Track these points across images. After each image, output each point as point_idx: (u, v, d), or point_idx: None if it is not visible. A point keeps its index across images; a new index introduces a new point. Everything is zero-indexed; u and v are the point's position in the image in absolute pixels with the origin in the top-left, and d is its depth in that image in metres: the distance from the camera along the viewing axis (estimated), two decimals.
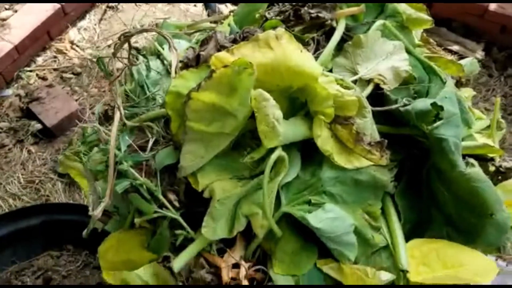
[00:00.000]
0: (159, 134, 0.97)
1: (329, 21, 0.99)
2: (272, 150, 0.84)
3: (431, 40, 1.28)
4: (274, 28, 0.96)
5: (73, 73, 2.21)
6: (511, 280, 1.05)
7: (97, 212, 0.90)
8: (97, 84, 2.16)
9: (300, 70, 0.83)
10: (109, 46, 2.27)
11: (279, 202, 0.86)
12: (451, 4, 2.26)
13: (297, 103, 0.92)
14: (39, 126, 1.92)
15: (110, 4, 2.46)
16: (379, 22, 0.98)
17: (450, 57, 1.98)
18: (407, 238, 0.89)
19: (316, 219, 0.81)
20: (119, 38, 0.97)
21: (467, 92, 1.19)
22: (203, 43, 0.98)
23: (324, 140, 0.86)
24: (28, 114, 1.97)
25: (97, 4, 2.45)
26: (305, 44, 0.96)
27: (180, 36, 1.17)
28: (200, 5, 2.46)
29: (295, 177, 0.87)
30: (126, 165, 0.91)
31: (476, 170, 0.83)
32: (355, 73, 0.95)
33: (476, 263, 0.82)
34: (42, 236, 1.60)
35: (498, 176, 0.98)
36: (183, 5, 2.49)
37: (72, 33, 2.33)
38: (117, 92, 0.99)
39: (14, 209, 1.70)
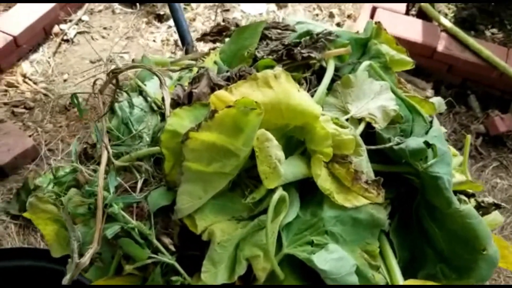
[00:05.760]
0: (149, 173, 0.93)
1: (317, 61, 1.01)
2: (272, 190, 0.83)
3: (402, 80, 1.34)
4: (268, 67, 0.97)
5: (25, 108, 2.10)
6: None
7: (84, 260, 0.84)
8: (52, 119, 2.06)
9: (302, 109, 0.84)
10: (65, 80, 2.18)
11: (279, 244, 0.84)
12: (402, 45, 2.39)
13: (293, 141, 0.92)
14: None
15: (65, 37, 2.38)
16: (366, 63, 1.01)
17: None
18: (402, 276, 0.90)
19: (322, 261, 0.79)
20: (108, 75, 0.93)
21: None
22: (194, 80, 0.96)
23: (324, 179, 0.86)
24: None
25: (51, 37, 2.36)
26: (298, 83, 0.97)
27: (161, 73, 1.14)
28: (159, 41, 2.44)
29: (295, 217, 0.86)
30: (116, 207, 0.86)
31: (469, 207, 0.86)
32: (346, 112, 0.97)
33: None
34: None
35: (479, 211, 1.02)
36: (141, 40, 2.46)
37: (25, 66, 2.23)
38: (104, 130, 0.95)
39: None
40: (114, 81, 0.95)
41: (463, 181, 1.01)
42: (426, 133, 0.96)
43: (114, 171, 0.92)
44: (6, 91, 2.13)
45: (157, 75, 0.91)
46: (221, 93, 0.84)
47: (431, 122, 0.98)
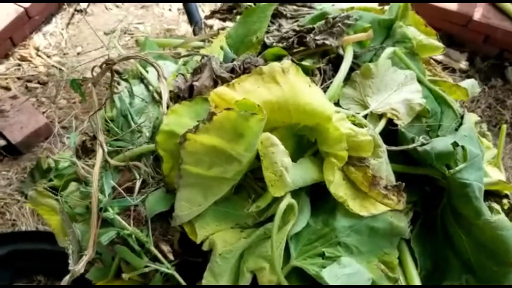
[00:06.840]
0: (148, 174, 0.86)
1: (334, 49, 0.91)
2: (279, 197, 0.75)
3: (432, 61, 1.21)
4: (277, 57, 0.87)
5: (39, 82, 2.05)
6: None
7: (78, 268, 0.79)
8: (66, 94, 2.01)
9: (311, 108, 0.74)
10: (78, 53, 2.12)
11: (287, 254, 0.77)
12: (434, 13, 2.22)
13: (304, 140, 0.83)
14: (2, 142, 1.75)
15: (78, 7, 2.30)
16: (389, 49, 0.90)
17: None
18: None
19: (332, 276, 0.72)
20: (101, 66, 0.85)
21: (472, 118, 1.12)
22: (196, 71, 0.87)
23: (337, 186, 0.78)
24: None
25: (64, 7, 2.28)
26: (311, 74, 0.87)
27: (165, 57, 1.06)
28: (175, 10, 2.34)
29: (305, 225, 0.78)
30: (112, 212, 0.80)
31: (501, 218, 0.76)
32: (365, 106, 0.87)
33: None
34: (9, 267, 1.46)
35: None
36: (157, 10, 2.35)
37: (37, 39, 2.17)
38: (99, 126, 0.88)
39: None
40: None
41: (495, 182, 0.91)
42: (457, 129, 0.86)
43: (110, 171, 0.85)
44: (19, 65, 2.08)
45: (154, 66, 0.83)
46: (222, 90, 0.75)
47: (462, 117, 0.87)
